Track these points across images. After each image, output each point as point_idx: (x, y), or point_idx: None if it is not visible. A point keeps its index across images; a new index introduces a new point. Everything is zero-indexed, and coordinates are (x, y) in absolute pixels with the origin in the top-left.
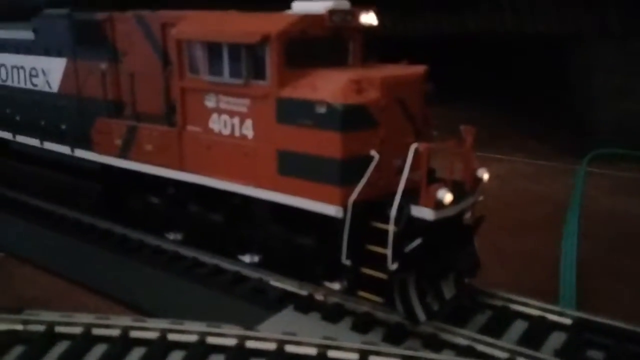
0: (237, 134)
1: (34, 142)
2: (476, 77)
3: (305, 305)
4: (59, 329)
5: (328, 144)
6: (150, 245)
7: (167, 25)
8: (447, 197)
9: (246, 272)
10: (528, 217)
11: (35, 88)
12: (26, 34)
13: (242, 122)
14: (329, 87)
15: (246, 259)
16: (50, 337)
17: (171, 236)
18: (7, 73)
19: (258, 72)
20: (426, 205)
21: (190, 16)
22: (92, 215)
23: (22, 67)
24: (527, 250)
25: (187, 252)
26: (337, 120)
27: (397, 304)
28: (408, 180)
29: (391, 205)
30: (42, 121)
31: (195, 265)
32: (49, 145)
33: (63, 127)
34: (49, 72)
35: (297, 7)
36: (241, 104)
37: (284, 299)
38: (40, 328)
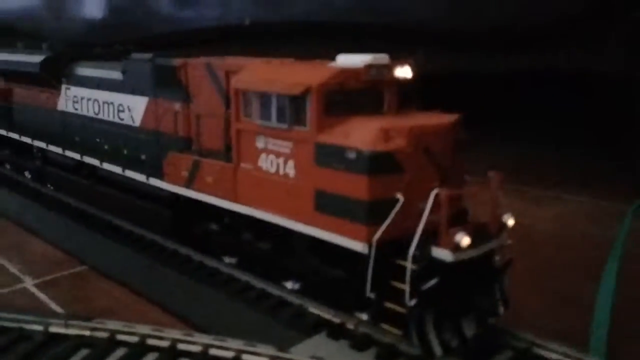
0: (281, 172)
1: (117, 169)
2: (542, 115)
3: (336, 332)
4: (119, 337)
5: (357, 186)
6: (209, 266)
7: (230, 72)
8: (465, 240)
9: (290, 297)
10: (581, 260)
11: (122, 122)
12: (116, 74)
13: (285, 162)
14: (360, 134)
15: (289, 285)
16: (112, 344)
17: (227, 260)
18: (99, 107)
19: (300, 118)
20: (445, 247)
21: (249, 66)
22: (164, 237)
23: (112, 103)
24: (572, 292)
25: (241, 275)
26: (365, 165)
27: (413, 338)
28: (433, 222)
29: (418, 246)
30: (125, 151)
31: (246, 288)
32: (130, 173)
33: (142, 157)
34: (133, 108)
35: (340, 60)
36: (285, 146)
37: (318, 325)
38: (105, 335)
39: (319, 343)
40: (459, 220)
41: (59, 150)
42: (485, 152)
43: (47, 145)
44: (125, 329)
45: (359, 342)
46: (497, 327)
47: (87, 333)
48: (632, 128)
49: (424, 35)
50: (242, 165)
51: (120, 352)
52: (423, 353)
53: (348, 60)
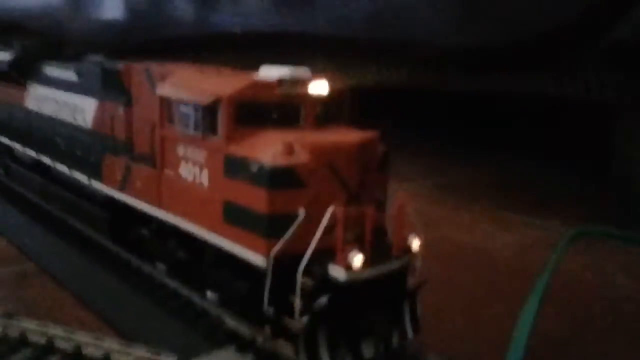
0: (197, 180)
1: (64, 169)
2: (528, 137)
3: (245, 346)
4: (30, 337)
5: (258, 199)
6: (143, 273)
7: (165, 78)
8: (357, 259)
9: (210, 308)
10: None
11: (75, 123)
12: (73, 75)
13: (201, 171)
14: (264, 148)
15: (209, 295)
16: (22, 343)
17: (158, 266)
18: (59, 107)
19: (213, 128)
20: (340, 265)
21: (177, 72)
22: (104, 238)
23: (68, 103)
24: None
25: (170, 282)
26: (265, 178)
27: (301, 355)
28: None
29: (316, 262)
30: (78, 152)
31: (172, 296)
32: (75, 174)
33: (91, 159)
34: (85, 110)
35: (262, 71)
36: (201, 155)
37: (233, 338)
38: (16, 334)
39: (225, 356)
40: (376, 239)
41: (19, 147)
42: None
43: (11, 142)
44: (38, 329)
45: (263, 358)
46: (402, 350)
47: None
48: (610, 156)
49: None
50: (166, 171)
51: (26, 352)
52: None
53: (268, 71)
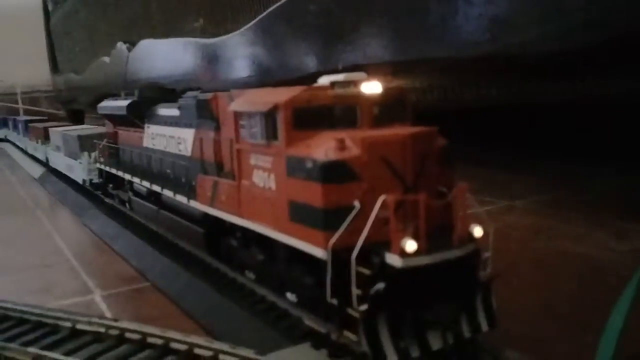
0: (266, 186)
1: (170, 193)
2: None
3: (320, 342)
4: (127, 335)
5: (314, 194)
6: (236, 281)
7: (239, 97)
8: (410, 245)
9: (292, 310)
10: None
11: (180, 153)
12: (175, 111)
13: (269, 176)
14: (319, 146)
15: (288, 296)
16: (121, 340)
17: (248, 274)
18: (167, 141)
19: (274, 134)
20: (394, 253)
21: (246, 92)
22: (202, 252)
23: (173, 137)
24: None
25: (258, 289)
26: (319, 173)
27: (363, 343)
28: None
29: (374, 252)
30: (183, 179)
31: (259, 301)
32: (178, 197)
33: (192, 183)
34: (186, 140)
35: (320, 80)
36: (267, 161)
37: (309, 335)
38: (115, 332)
39: (301, 351)
40: (439, 230)
41: (138, 180)
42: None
43: (132, 177)
44: (134, 328)
45: (335, 351)
46: (478, 344)
47: (102, 330)
48: None
49: None
50: (243, 182)
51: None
52: (375, 359)
53: (325, 79)
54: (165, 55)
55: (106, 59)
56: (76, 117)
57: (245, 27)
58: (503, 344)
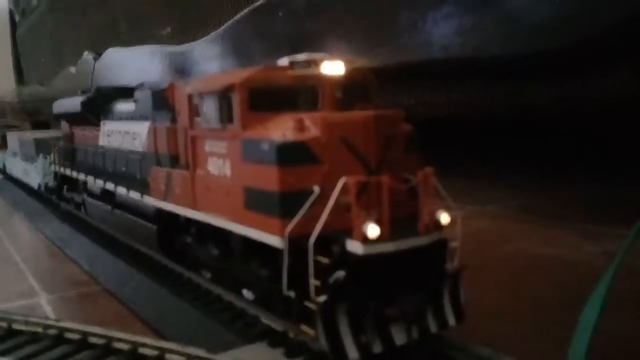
0: (221, 173)
1: (123, 190)
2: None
3: (277, 340)
4: (66, 335)
5: (270, 178)
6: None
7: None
8: (372, 231)
9: (249, 308)
10: None
11: (134, 148)
12: (131, 105)
13: (224, 162)
14: (276, 127)
15: (245, 293)
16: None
17: (204, 275)
18: (122, 138)
19: (230, 117)
20: (356, 239)
21: (203, 76)
22: (156, 252)
23: (128, 132)
24: None
25: (214, 288)
26: (275, 155)
27: (321, 337)
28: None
29: (334, 240)
30: (137, 175)
31: (216, 300)
32: (132, 193)
33: (147, 179)
34: (140, 134)
35: (280, 61)
36: (222, 146)
37: (267, 334)
38: (54, 332)
39: (254, 350)
40: (405, 218)
41: (92, 180)
42: None
43: (86, 177)
44: (74, 328)
45: (292, 350)
46: (443, 339)
47: (40, 330)
48: None
49: None
50: (197, 171)
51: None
52: (333, 355)
53: (284, 60)
54: (132, 63)
55: (72, 69)
56: (42, 129)
57: (213, 33)
58: (471, 341)
